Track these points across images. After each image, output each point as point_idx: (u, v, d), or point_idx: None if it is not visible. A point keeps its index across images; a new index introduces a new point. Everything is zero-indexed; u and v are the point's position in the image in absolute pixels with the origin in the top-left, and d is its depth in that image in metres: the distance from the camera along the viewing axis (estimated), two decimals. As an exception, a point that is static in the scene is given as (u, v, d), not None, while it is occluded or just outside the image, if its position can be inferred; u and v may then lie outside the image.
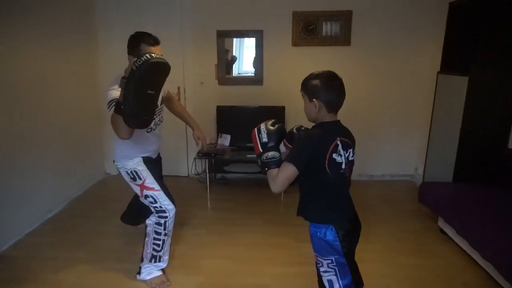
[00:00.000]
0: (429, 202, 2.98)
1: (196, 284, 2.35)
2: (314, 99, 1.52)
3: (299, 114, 3.99)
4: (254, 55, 4.11)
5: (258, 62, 4.03)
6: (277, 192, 1.50)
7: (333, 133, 1.52)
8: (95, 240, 2.88)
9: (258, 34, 3.96)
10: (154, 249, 2.28)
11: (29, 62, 2.97)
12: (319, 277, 1.68)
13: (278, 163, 1.49)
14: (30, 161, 3.00)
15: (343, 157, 1.51)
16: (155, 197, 2.20)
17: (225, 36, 4.00)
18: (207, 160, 3.85)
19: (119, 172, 2.28)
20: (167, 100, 2.49)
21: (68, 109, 3.55)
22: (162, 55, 1.93)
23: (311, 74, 1.57)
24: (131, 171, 2.19)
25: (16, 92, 2.84)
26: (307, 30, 3.89)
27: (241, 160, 3.97)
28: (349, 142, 1.55)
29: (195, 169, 4.26)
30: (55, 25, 3.29)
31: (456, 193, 2.84)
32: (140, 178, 2.19)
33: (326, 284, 1.61)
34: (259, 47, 3.99)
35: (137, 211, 2.52)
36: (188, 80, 4.12)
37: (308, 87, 1.56)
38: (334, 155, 1.48)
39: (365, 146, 4.16)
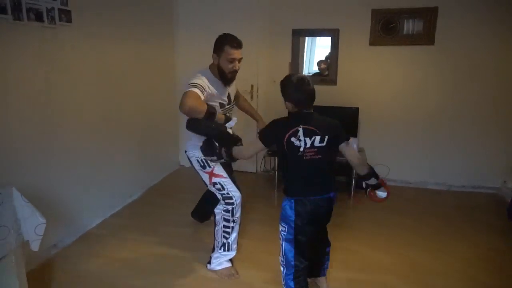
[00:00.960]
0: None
1: (264, 280, 2.38)
2: (286, 102, 1.89)
3: (374, 116, 3.92)
4: (326, 54, 4.05)
5: (333, 61, 3.95)
6: (247, 157, 2.03)
7: (296, 121, 1.82)
8: (168, 227, 3.06)
9: (334, 33, 3.88)
10: (224, 237, 2.37)
11: (114, 58, 3.23)
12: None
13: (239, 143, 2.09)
14: (113, 151, 3.27)
15: (302, 142, 1.79)
16: (222, 183, 2.31)
17: (300, 35, 3.99)
18: (276, 158, 3.87)
19: (190, 161, 2.42)
20: (236, 98, 2.60)
21: (147, 103, 3.81)
22: (241, 58, 2.25)
23: (285, 78, 1.93)
24: (201, 159, 2.31)
25: (104, 84, 3.11)
26: (387, 28, 3.71)
27: (310, 160, 3.92)
28: (315, 130, 1.81)
29: (264, 166, 4.31)
30: (138, 25, 3.52)
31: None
32: (209, 166, 2.31)
33: (281, 245, 1.98)
34: (334, 46, 3.91)
35: (207, 209, 2.65)
36: (261, 78, 4.18)
37: (282, 91, 1.93)
38: (293, 139, 1.79)
39: (444, 153, 3.88)
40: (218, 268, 2.40)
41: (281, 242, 1.98)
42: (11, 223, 1.68)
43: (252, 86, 4.19)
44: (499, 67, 3.59)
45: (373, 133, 4.01)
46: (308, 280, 2.07)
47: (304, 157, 1.82)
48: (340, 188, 3.94)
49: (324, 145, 1.82)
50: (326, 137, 1.82)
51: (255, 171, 4.42)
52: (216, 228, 2.41)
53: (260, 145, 1.90)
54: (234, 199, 2.32)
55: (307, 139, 1.80)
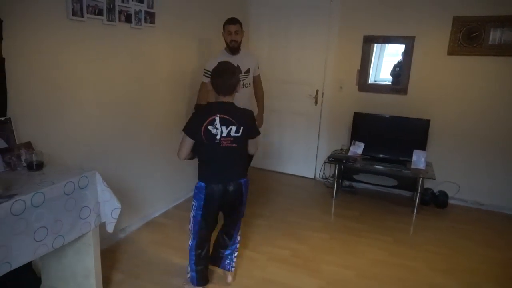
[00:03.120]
0: None
1: (317, 287, 2.36)
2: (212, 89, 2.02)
3: (446, 129, 3.68)
4: (394, 63, 3.89)
5: (405, 70, 3.78)
6: (182, 157, 2.04)
7: (214, 110, 1.94)
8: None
9: (409, 40, 3.71)
10: None
11: (189, 57, 3.41)
12: None
13: None
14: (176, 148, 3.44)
15: (219, 130, 1.92)
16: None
17: (371, 42, 3.87)
18: (336, 165, 3.80)
19: None
20: (255, 81, 3.28)
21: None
22: (237, 30, 3.01)
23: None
24: None
25: (179, 82, 3.30)
26: (469, 37, 3.46)
27: (372, 171, 3.80)
28: (231, 120, 1.94)
29: (323, 173, 4.26)
30: (206, 21, 3.59)
31: None
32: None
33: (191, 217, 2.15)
34: (408, 54, 3.74)
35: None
36: (328, 83, 4.13)
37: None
38: (210, 127, 1.92)
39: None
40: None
41: (191, 214, 2.13)
42: (93, 204, 1.85)
43: (317, 91, 4.16)
44: None
45: (444, 148, 3.76)
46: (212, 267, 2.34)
47: (221, 145, 1.95)
48: (404, 203, 3.76)
49: (239, 135, 1.97)
50: (242, 127, 1.96)
51: (313, 177, 4.38)
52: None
53: (186, 139, 1.97)
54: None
55: (224, 128, 1.93)
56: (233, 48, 3.01)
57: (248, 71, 3.14)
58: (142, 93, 2.86)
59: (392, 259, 2.72)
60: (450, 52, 3.56)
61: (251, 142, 2.12)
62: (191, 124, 1.98)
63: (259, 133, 2.15)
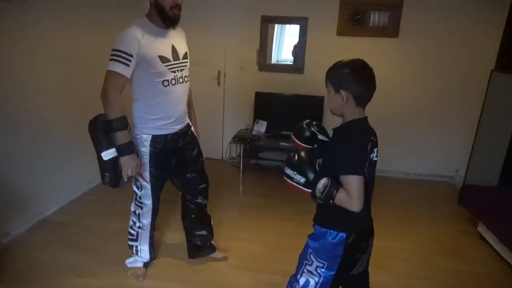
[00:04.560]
0: (470, 205, 2.87)
1: (228, 265, 2.39)
2: (341, 90, 1.34)
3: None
4: (294, 43, 4.06)
5: (301, 50, 3.97)
6: (361, 208, 1.28)
7: (367, 132, 1.38)
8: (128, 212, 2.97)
9: (302, 21, 3.89)
10: (130, 238, 2.25)
11: (79, 42, 3.06)
12: (296, 270, 1.56)
13: (335, 185, 1.28)
14: (71, 136, 3.09)
15: (373, 157, 1.38)
16: (142, 185, 2.08)
17: (269, 22, 3.96)
18: (242, 145, 3.86)
19: None
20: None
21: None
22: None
23: (337, 63, 1.39)
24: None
25: (67, 69, 2.94)
26: (354, 19, 3.77)
27: (276, 148, 3.96)
28: (376, 141, 1.40)
29: (230, 153, 4.30)
30: (96, 9, 3.33)
31: (501, 198, 2.72)
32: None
33: (301, 281, 1.49)
34: (302, 34, 3.92)
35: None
36: (229, 64, 4.12)
37: (334, 77, 1.37)
38: (372, 155, 1.37)
39: (403, 142, 4.05)
40: (129, 265, 2.27)
41: (306, 280, 1.52)
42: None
43: (219, 72, 4.13)
44: (463, 62, 3.75)
45: (337, 122, 4.07)
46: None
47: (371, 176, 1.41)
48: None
49: (377, 159, 1.43)
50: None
51: (220, 158, 4.39)
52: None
53: (360, 181, 1.28)
54: (143, 205, 2.13)
55: (374, 155, 1.40)
56: (174, 19, 1.85)
57: (186, 56, 2.04)
58: (22, 80, 2.47)
59: (299, 229, 2.86)
60: (339, 33, 3.84)
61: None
62: (357, 156, 1.31)
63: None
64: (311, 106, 3.90)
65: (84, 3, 3.05)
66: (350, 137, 1.35)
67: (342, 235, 1.38)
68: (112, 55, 1.76)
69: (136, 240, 2.23)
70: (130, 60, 1.75)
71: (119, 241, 2.46)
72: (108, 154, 1.81)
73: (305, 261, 1.50)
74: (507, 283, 2.35)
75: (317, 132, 1.55)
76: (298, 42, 3.98)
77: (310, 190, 1.31)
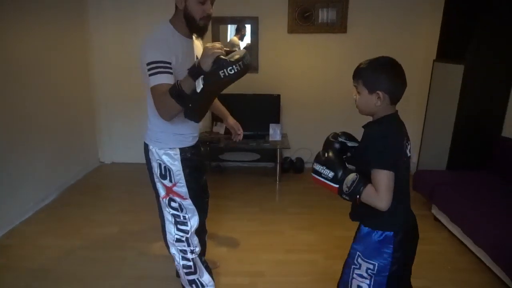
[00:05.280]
0: (423, 190, 3.00)
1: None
2: (378, 91, 1.29)
3: (295, 102, 4.04)
4: (247, 42, 4.07)
5: (253, 49, 3.99)
6: (388, 206, 1.24)
7: (402, 126, 1.35)
8: (89, 228, 2.87)
9: (253, 21, 3.90)
10: (185, 273, 1.90)
11: (17, 46, 2.90)
12: (344, 278, 1.49)
13: (363, 181, 1.27)
14: (21, 150, 2.96)
15: (408, 152, 1.37)
16: (181, 204, 1.82)
17: (220, 23, 3.95)
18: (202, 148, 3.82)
19: (147, 160, 1.85)
20: None
21: (60, 95, 3.49)
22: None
23: (368, 62, 1.35)
24: (164, 166, 1.79)
25: (4, 78, 2.78)
26: (303, 17, 3.84)
27: (236, 149, 3.95)
28: (408, 136, 1.37)
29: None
30: (45, 9, 3.21)
31: (450, 181, 2.87)
32: (171, 180, 1.78)
33: None
34: (254, 34, 3.94)
35: None
36: (183, 67, 4.05)
37: (367, 77, 1.33)
38: (407, 150, 1.35)
39: (358, 134, 4.16)
40: None
41: (359, 286, 1.45)
42: None
43: (173, 75, 4.05)
44: (407, 54, 3.91)
45: (295, 119, 4.16)
46: None
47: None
48: (268, 174, 4.04)
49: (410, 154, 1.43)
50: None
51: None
52: (176, 265, 1.90)
53: (389, 176, 1.24)
54: (189, 226, 1.83)
55: (407, 151, 1.38)
56: (203, 30, 1.72)
57: None
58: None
59: (261, 228, 2.91)
60: (290, 31, 3.90)
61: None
62: (388, 151, 1.27)
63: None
64: (267, 104, 3.93)
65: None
66: (385, 132, 1.31)
67: (389, 233, 1.35)
68: (149, 69, 1.55)
69: (195, 272, 1.87)
70: (170, 68, 1.57)
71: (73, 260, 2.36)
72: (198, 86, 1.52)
73: (352, 266, 1.44)
74: (459, 258, 2.49)
75: (346, 141, 1.49)
76: (250, 42, 4.00)
77: (337, 186, 1.32)
